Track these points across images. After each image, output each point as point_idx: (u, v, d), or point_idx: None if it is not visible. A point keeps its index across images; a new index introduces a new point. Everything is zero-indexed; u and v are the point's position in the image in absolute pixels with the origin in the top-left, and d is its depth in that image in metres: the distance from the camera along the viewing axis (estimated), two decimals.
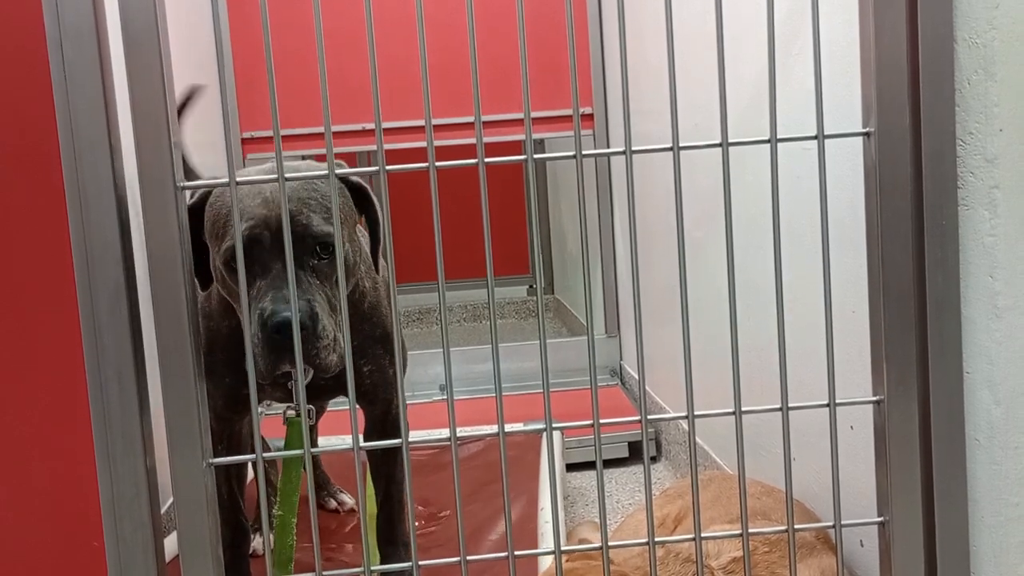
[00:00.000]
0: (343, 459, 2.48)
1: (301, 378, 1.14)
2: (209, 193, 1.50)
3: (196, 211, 1.50)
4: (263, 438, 2.35)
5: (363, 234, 1.66)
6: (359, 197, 1.57)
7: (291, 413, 1.54)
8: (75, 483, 1.13)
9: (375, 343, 1.65)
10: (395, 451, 1.79)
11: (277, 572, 1.55)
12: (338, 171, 1.56)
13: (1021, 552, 1.17)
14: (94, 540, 1.11)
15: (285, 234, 1.09)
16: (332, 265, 1.46)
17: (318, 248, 1.45)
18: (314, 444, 2.30)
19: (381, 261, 1.65)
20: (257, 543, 2.10)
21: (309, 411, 1.66)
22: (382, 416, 1.76)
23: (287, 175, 1.39)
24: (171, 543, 1.63)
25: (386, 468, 1.80)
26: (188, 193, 1.50)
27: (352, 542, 2.11)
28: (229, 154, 1.12)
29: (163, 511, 2.02)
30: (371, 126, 3.37)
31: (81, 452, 1.11)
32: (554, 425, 1.14)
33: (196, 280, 1.52)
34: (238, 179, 1.10)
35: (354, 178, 1.56)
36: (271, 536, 2.04)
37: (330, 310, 1.44)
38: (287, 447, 1.55)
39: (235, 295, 1.50)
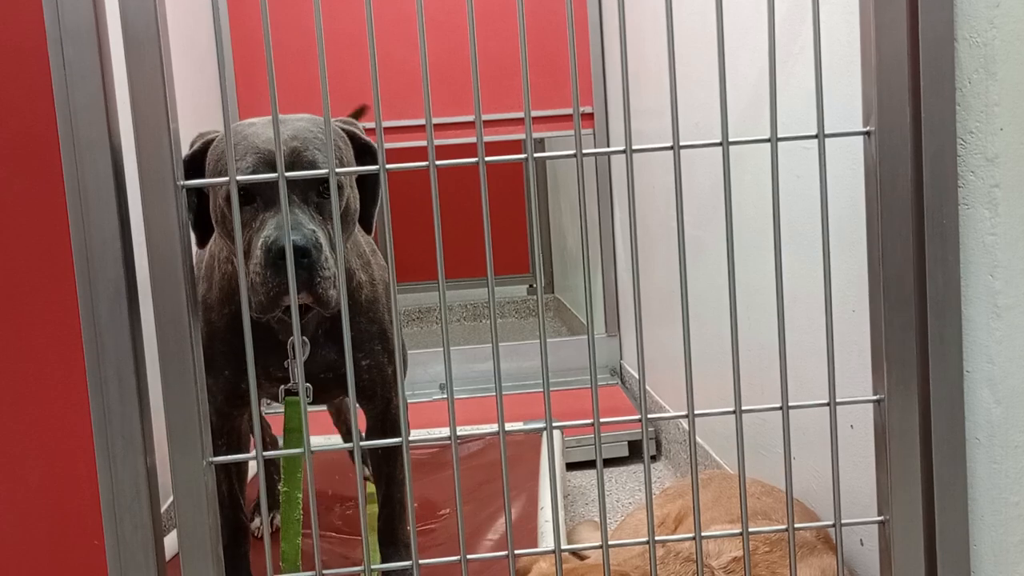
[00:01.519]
0: (343, 460, 2.48)
1: (300, 351, 1.14)
2: (211, 140, 1.50)
3: (197, 160, 1.49)
4: (269, 428, 2.36)
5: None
6: (366, 155, 1.56)
7: (289, 396, 1.55)
8: (75, 482, 1.13)
9: (373, 339, 1.65)
10: (395, 450, 1.78)
11: (285, 551, 1.56)
12: (348, 127, 1.56)
13: (1021, 551, 1.17)
14: (94, 539, 1.12)
15: (286, 232, 1.08)
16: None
17: (321, 187, 1.44)
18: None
19: (381, 261, 1.65)
20: (256, 523, 2.11)
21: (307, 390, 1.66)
22: (381, 414, 1.75)
23: (287, 122, 1.35)
24: (171, 541, 1.63)
25: (386, 468, 1.80)
26: (189, 143, 1.49)
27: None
28: (229, 153, 1.12)
29: (163, 509, 2.02)
30: (371, 125, 3.37)
31: (81, 451, 1.11)
32: (554, 424, 1.14)
33: (193, 233, 1.51)
34: (239, 179, 1.10)
35: (363, 137, 1.56)
36: (273, 520, 2.05)
37: (331, 246, 1.43)
38: (286, 425, 1.55)
39: (233, 236, 1.46)
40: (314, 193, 1.44)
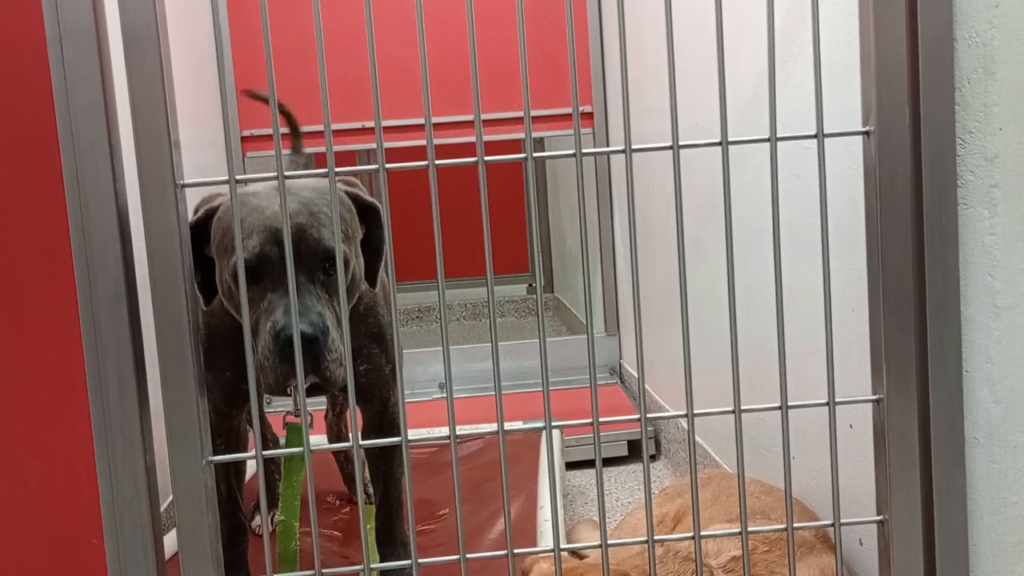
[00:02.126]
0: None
1: (302, 383, 1.14)
2: (215, 209, 1.51)
3: (201, 226, 1.50)
4: (269, 427, 2.37)
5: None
6: (369, 213, 1.58)
7: (290, 418, 1.55)
8: (75, 481, 1.13)
9: (371, 342, 1.65)
10: (392, 450, 1.79)
11: (282, 554, 1.56)
12: (351, 189, 1.56)
13: (1020, 550, 1.17)
14: (94, 538, 1.12)
15: (286, 237, 1.09)
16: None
17: (329, 263, 1.46)
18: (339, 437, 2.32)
19: (381, 272, 1.65)
20: (256, 522, 2.11)
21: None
22: (379, 414, 1.76)
23: (293, 191, 1.38)
24: (171, 540, 1.63)
25: (384, 467, 1.80)
26: (193, 209, 1.51)
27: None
28: (228, 152, 1.12)
29: (163, 508, 2.03)
30: (371, 124, 3.37)
31: (81, 450, 1.11)
32: (553, 423, 1.14)
33: (199, 295, 1.52)
34: (238, 178, 1.10)
35: (367, 197, 1.57)
36: (271, 521, 2.05)
37: (336, 324, 1.45)
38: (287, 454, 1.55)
39: (241, 311, 1.49)
40: (320, 271, 1.45)
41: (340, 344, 1.44)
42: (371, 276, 1.62)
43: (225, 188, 1.56)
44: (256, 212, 1.46)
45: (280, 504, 1.56)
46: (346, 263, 1.49)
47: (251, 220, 1.45)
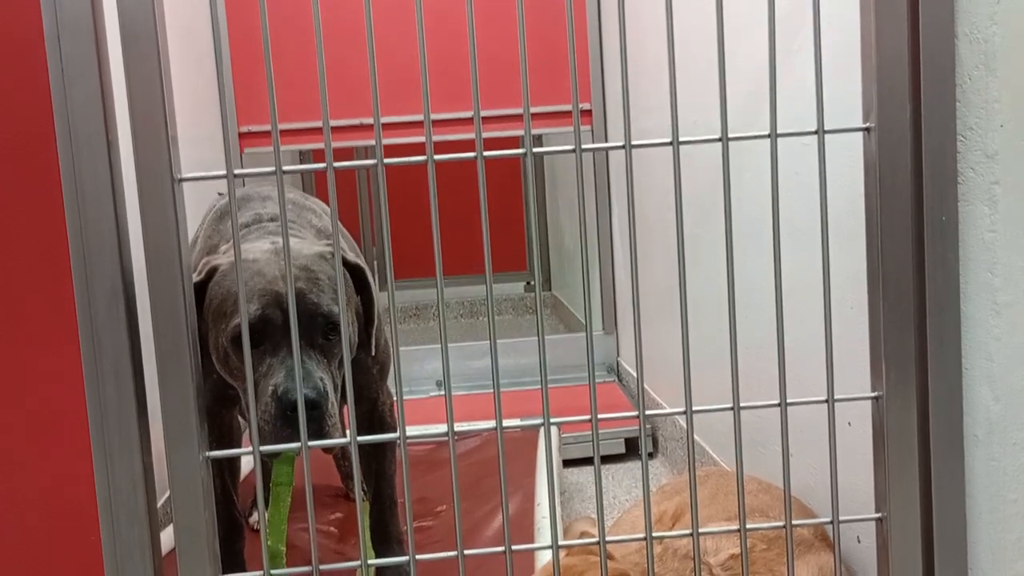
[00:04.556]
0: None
1: (302, 407, 1.13)
2: (215, 270, 1.51)
3: (203, 288, 1.50)
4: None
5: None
6: (356, 278, 1.58)
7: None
8: (72, 477, 1.12)
9: (359, 346, 1.65)
10: (384, 448, 1.79)
11: (271, 549, 1.56)
12: (344, 254, 1.56)
13: (1018, 548, 1.17)
14: (91, 534, 1.11)
15: (284, 241, 1.08)
16: (338, 345, 1.49)
17: (328, 328, 1.47)
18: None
19: (377, 295, 1.65)
20: (254, 518, 2.11)
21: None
22: (368, 414, 1.76)
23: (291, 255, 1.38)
24: (168, 536, 1.62)
25: (376, 465, 1.80)
26: (196, 270, 1.51)
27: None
28: (227, 149, 1.11)
29: (159, 505, 2.02)
30: (369, 121, 3.36)
31: (78, 447, 1.11)
32: (551, 420, 1.14)
33: None
34: (237, 172, 1.10)
35: (351, 259, 1.57)
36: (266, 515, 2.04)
37: (334, 389, 1.47)
38: (274, 483, 1.55)
39: (237, 375, 1.50)
40: (319, 336, 1.47)
41: (336, 405, 1.46)
42: (366, 340, 1.62)
43: (224, 251, 1.57)
44: (258, 276, 1.47)
45: (268, 530, 1.56)
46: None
47: (252, 284, 1.46)
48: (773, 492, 1.72)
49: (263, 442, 1.42)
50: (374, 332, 1.62)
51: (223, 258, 1.54)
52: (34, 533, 1.14)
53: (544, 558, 1.71)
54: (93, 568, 1.12)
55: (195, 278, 1.49)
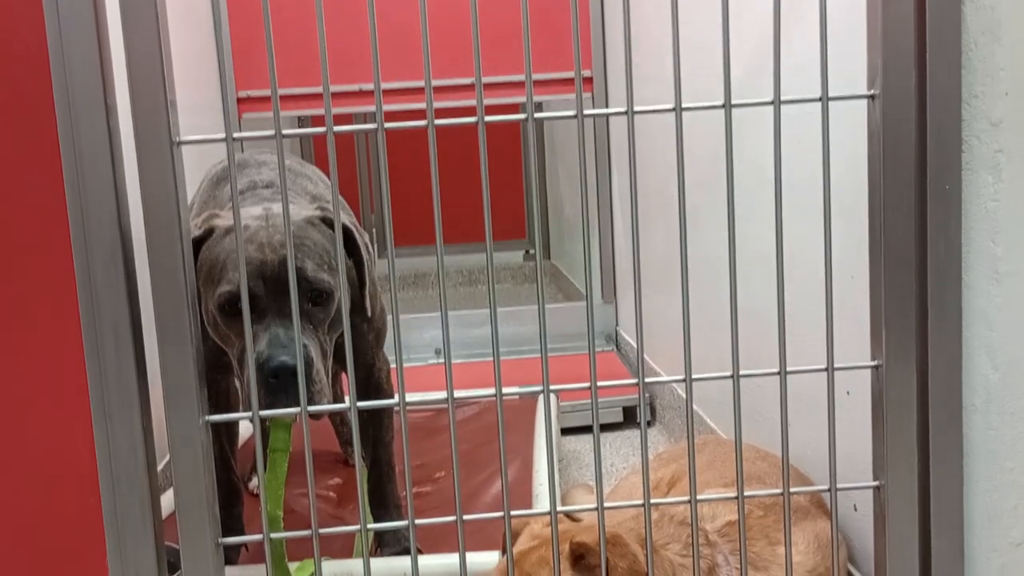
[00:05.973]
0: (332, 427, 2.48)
1: (301, 373, 1.12)
2: (212, 230, 1.51)
3: (201, 243, 1.51)
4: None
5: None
6: (345, 240, 1.58)
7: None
8: (72, 441, 1.13)
9: (353, 311, 1.65)
10: (381, 414, 1.79)
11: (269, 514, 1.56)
12: (325, 214, 1.56)
13: (1015, 516, 1.17)
14: (90, 497, 1.11)
15: (284, 207, 1.07)
16: (326, 311, 1.49)
17: (312, 294, 1.47)
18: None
19: (376, 262, 1.65)
20: (253, 483, 2.12)
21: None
22: (364, 380, 1.76)
23: (278, 224, 1.39)
24: (168, 500, 1.63)
25: (373, 431, 1.80)
26: (195, 224, 1.51)
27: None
28: (226, 113, 1.10)
29: (159, 468, 2.03)
30: (369, 87, 3.34)
31: (78, 410, 1.11)
32: (551, 388, 1.14)
33: None
34: (236, 136, 1.09)
35: (343, 221, 1.57)
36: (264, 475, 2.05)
37: (321, 355, 1.47)
38: (271, 448, 1.55)
39: (227, 340, 1.52)
40: (305, 301, 1.48)
41: (325, 375, 1.46)
42: (360, 303, 1.62)
43: (224, 213, 1.57)
44: (247, 243, 1.47)
45: (265, 496, 1.56)
46: (330, 294, 1.49)
47: (236, 255, 1.46)
48: (770, 460, 1.73)
49: (246, 408, 1.43)
50: (367, 295, 1.61)
51: (222, 219, 1.55)
52: (34, 496, 1.14)
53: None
54: (93, 531, 1.12)
55: (194, 232, 1.49)
